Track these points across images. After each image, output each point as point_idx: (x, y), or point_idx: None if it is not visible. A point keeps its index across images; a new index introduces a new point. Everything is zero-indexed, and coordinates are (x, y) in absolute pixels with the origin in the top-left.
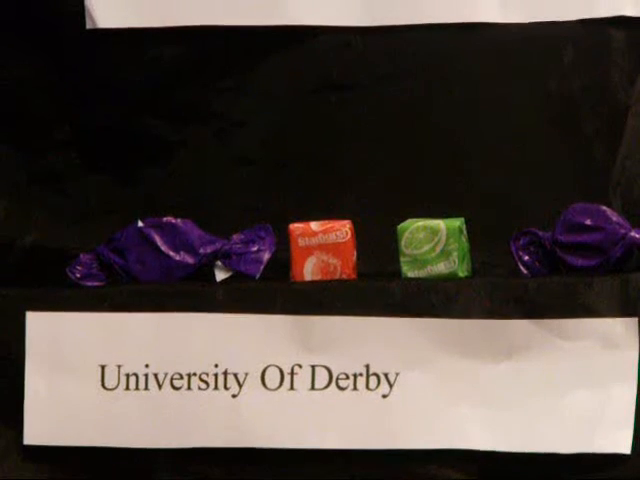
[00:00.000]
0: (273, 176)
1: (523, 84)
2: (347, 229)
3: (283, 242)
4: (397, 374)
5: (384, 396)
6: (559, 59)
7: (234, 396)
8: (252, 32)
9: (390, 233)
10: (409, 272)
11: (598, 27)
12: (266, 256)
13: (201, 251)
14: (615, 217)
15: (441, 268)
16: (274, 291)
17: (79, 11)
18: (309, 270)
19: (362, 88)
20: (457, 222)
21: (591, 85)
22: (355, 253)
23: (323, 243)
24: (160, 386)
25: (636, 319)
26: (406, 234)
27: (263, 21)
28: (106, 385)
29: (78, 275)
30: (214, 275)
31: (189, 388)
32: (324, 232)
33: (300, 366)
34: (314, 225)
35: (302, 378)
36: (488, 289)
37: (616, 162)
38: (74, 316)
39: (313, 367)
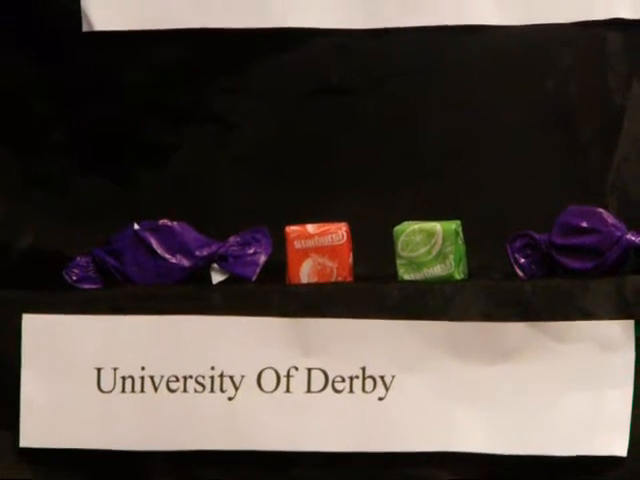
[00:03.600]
0: (270, 178)
1: (519, 86)
2: (343, 231)
3: (279, 245)
4: (393, 377)
5: (380, 399)
6: (555, 62)
7: (230, 399)
8: (249, 35)
9: (386, 235)
10: (405, 275)
11: (594, 30)
12: (262, 258)
13: (197, 254)
14: (611, 219)
15: (437, 271)
16: (270, 294)
17: (76, 14)
18: (305, 273)
19: (359, 90)
20: (453, 225)
21: (588, 88)
22: (351, 255)
23: (319, 245)
24: (156, 389)
25: (632, 322)
26: (402, 236)
27: (260, 24)
28: (102, 387)
29: (74, 277)
30: (210, 278)
31: (185, 390)
32: (320, 234)
33: (296, 369)
34: (310, 227)
35: (298, 381)
36: (484, 292)
37: (612, 165)
38: (70, 318)
39: (309, 370)
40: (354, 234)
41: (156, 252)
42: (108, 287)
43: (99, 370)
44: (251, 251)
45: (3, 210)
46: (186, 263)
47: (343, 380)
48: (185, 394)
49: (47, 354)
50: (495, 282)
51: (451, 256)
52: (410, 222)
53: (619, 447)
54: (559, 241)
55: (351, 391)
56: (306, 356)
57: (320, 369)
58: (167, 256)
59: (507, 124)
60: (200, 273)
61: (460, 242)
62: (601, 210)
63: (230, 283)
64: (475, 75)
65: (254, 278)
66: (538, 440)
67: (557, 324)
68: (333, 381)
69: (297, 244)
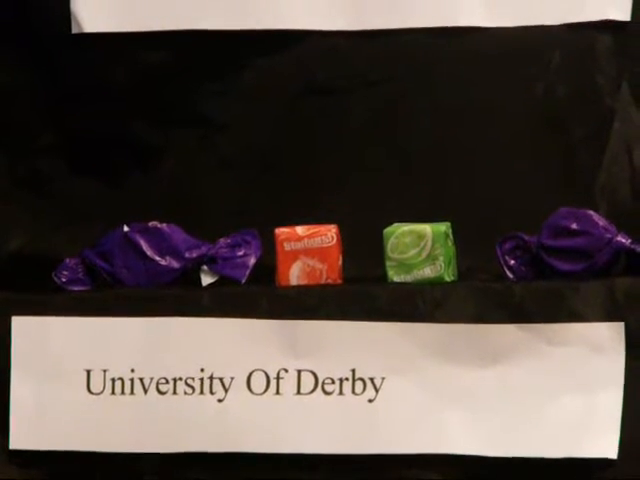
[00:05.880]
0: (259, 180)
1: (509, 88)
2: (333, 233)
3: (269, 246)
4: (383, 379)
5: (370, 401)
6: (545, 63)
7: (220, 401)
8: (237, 36)
9: (376, 237)
10: (395, 277)
11: (584, 31)
12: (252, 261)
13: (187, 256)
14: (601, 221)
15: (427, 273)
16: (260, 296)
17: (65, 16)
18: (295, 275)
19: (347, 92)
20: (443, 226)
21: (577, 90)
22: (341, 258)
23: (309, 247)
24: (146, 391)
25: (622, 324)
26: (392, 238)
27: (248, 25)
28: (92, 390)
29: (64, 280)
30: (200, 280)
31: (175, 393)
32: (310, 236)
33: (286, 370)
34: (300, 229)
35: (288, 383)
36: (474, 294)
37: (602, 167)
38: (60, 320)
39: (299, 372)
40: (343, 236)
41: (146, 254)
42: (97, 289)
43: (89, 372)
44: (241, 253)
45: None
46: (176, 265)
47: (333, 382)
48: (175, 396)
49: (36, 356)
50: (485, 284)
51: (441, 258)
52: (400, 224)
53: (610, 449)
54: (549, 243)
55: (341, 393)
56: (296, 358)
57: (310, 371)
58: (157, 258)
59: (496, 126)
60: (190, 275)
61: (450, 244)
62: (591, 212)
63: (220, 285)
64: (464, 76)
65: (244, 280)
66: (528, 442)
67: (547, 326)
68: (323, 383)
69: (286, 246)
